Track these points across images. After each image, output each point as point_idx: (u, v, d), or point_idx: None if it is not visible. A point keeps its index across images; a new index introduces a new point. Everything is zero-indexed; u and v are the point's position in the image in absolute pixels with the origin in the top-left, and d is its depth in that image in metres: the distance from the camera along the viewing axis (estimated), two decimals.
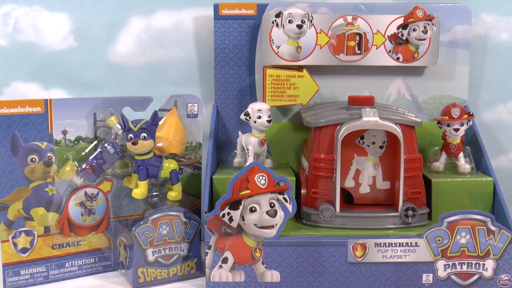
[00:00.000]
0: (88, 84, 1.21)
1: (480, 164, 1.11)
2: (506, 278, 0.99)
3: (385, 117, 1.00)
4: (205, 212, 0.98)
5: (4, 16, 1.17)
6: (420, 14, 1.12)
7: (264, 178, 0.96)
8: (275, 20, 1.13)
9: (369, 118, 0.99)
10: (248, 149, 1.08)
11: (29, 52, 1.18)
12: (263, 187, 0.96)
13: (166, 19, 1.21)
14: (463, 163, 1.08)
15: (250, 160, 1.08)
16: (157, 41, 1.21)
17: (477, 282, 0.99)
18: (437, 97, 1.19)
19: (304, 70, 1.14)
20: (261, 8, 1.16)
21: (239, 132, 1.12)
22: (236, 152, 1.12)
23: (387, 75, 1.18)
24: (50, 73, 1.19)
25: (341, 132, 0.99)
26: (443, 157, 1.10)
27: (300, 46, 1.14)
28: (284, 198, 0.97)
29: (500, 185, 1.06)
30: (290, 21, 1.12)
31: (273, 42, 1.14)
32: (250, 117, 1.07)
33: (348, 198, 1.05)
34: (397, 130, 0.99)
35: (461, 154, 1.09)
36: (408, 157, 1.01)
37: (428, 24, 1.13)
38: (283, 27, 1.13)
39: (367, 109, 1.01)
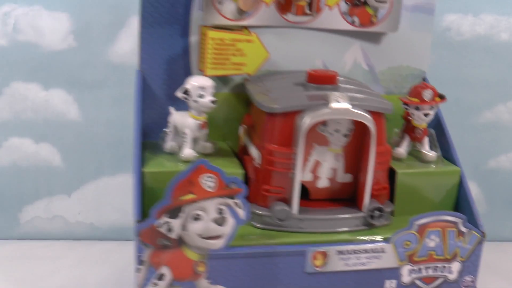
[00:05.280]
0: (88, 84, 1.16)
1: (443, 150, 1.00)
2: (470, 279, 0.91)
3: (355, 103, 0.84)
4: (137, 222, 0.79)
5: (4, 16, 1.14)
6: None
7: (211, 179, 0.79)
8: None
9: (339, 105, 0.83)
10: (185, 133, 0.89)
11: (29, 52, 1.15)
12: (211, 190, 0.79)
13: None
14: (428, 150, 0.96)
15: (187, 146, 0.89)
16: None
17: (440, 286, 0.90)
18: (395, 67, 1.04)
19: (254, 34, 0.94)
20: None
21: (171, 109, 0.92)
22: (167, 133, 0.92)
23: (342, 41, 1.01)
24: (50, 73, 1.16)
25: (304, 121, 0.82)
26: (406, 141, 0.97)
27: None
28: (236, 203, 0.80)
29: (500, 185, 1.05)
30: None
31: None
32: (190, 96, 0.87)
33: (301, 192, 0.90)
34: (371, 120, 0.84)
35: (426, 139, 0.96)
36: (377, 149, 0.86)
37: None
38: None
39: (335, 93, 0.84)
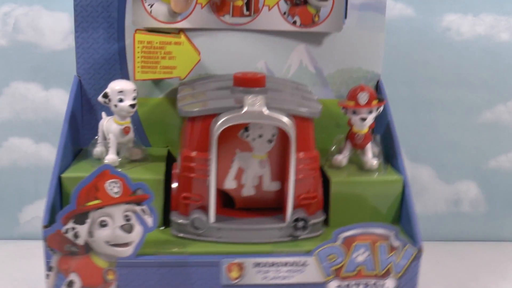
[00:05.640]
0: None
1: (391, 158, 0.94)
2: None
3: (274, 107, 0.80)
4: (44, 227, 0.78)
5: (4, 16, 1.14)
6: None
7: (117, 185, 0.77)
8: None
9: (252, 108, 0.79)
10: (109, 138, 0.88)
11: (29, 52, 1.15)
12: (116, 196, 0.77)
13: None
14: (370, 157, 0.90)
15: (111, 152, 0.87)
16: None
17: None
18: (345, 70, 0.99)
19: (182, 36, 0.91)
20: None
21: (103, 114, 0.91)
22: (97, 139, 0.91)
23: (285, 43, 0.97)
24: (50, 73, 1.16)
25: (217, 126, 0.79)
26: (348, 148, 0.92)
27: None
28: (143, 210, 0.78)
29: (500, 186, 1.09)
30: None
31: (145, 0, 0.91)
32: (110, 100, 0.86)
33: (228, 201, 0.87)
34: (288, 125, 0.79)
35: (369, 145, 0.90)
36: (301, 156, 0.82)
37: None
38: None
39: (250, 96, 0.80)
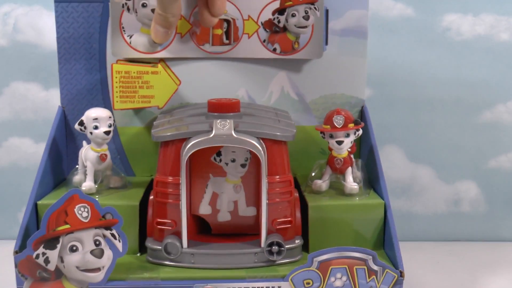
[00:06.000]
0: None
1: (375, 182, 0.92)
2: None
3: (244, 130, 0.80)
4: (15, 252, 0.78)
5: (4, 16, 1.15)
6: None
7: (86, 210, 0.77)
8: (126, 4, 0.91)
9: (221, 132, 0.79)
10: (86, 166, 0.88)
11: (29, 52, 1.16)
12: (86, 220, 0.76)
13: None
14: (350, 182, 0.88)
15: (88, 179, 0.88)
16: None
17: None
18: (328, 96, 0.98)
19: (159, 65, 0.92)
20: None
21: (83, 142, 0.92)
22: (77, 168, 0.92)
23: (265, 70, 0.97)
24: (50, 73, 1.15)
25: (186, 149, 0.79)
26: (328, 173, 0.90)
27: None
28: (112, 235, 0.77)
29: (500, 186, 1.12)
30: (144, 5, 0.91)
31: (124, 31, 0.93)
32: (85, 127, 0.87)
33: (205, 226, 0.86)
34: (257, 148, 0.79)
35: (349, 170, 0.89)
36: (274, 179, 0.81)
37: (310, 9, 0.92)
38: (136, 12, 0.91)
39: (219, 120, 0.80)
